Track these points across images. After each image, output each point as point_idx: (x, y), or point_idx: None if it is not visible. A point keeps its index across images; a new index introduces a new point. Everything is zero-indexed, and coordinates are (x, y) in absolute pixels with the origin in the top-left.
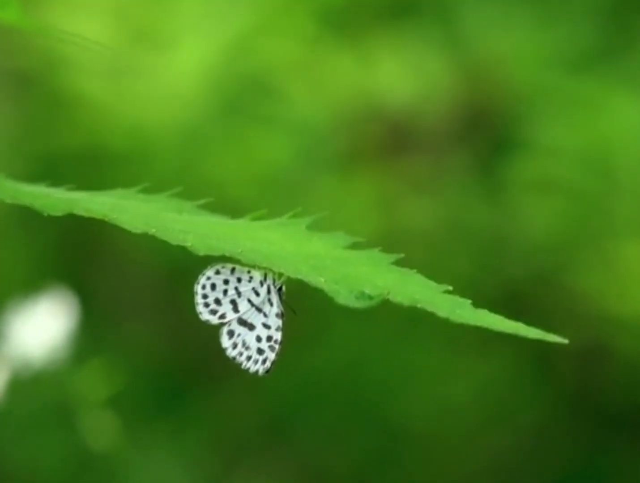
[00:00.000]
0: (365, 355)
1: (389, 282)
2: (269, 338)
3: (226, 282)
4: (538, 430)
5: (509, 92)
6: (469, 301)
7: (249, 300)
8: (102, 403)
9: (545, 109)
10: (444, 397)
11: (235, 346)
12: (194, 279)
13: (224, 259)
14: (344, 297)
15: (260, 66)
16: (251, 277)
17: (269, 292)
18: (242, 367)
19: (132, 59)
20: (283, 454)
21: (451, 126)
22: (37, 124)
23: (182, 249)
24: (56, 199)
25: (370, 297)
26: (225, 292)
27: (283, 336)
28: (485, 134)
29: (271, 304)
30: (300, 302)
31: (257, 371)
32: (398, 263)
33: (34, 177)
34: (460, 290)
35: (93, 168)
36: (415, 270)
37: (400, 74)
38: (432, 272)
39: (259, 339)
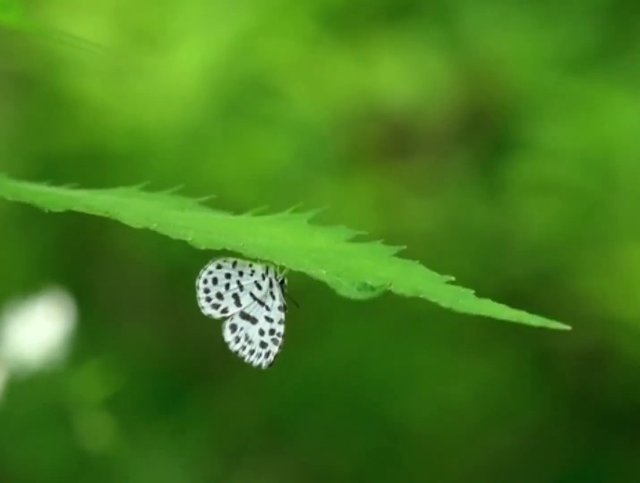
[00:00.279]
0: (365, 355)
1: (391, 273)
2: (272, 332)
3: (228, 276)
4: (538, 430)
5: (509, 92)
6: (472, 291)
7: (251, 294)
8: (102, 404)
9: (546, 109)
10: (444, 397)
11: (237, 340)
12: (194, 278)
13: (225, 254)
14: (346, 289)
15: (261, 66)
16: (253, 271)
17: (271, 285)
18: (245, 361)
19: (132, 59)
20: (283, 454)
21: (451, 126)
22: (37, 124)
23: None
24: (57, 196)
25: (373, 288)
26: (227, 286)
27: (286, 329)
28: (485, 134)
29: (273, 297)
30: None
31: (260, 365)
32: (400, 255)
33: (34, 177)
34: None
35: (93, 168)
36: (417, 261)
37: (400, 74)
38: None
39: (261, 332)
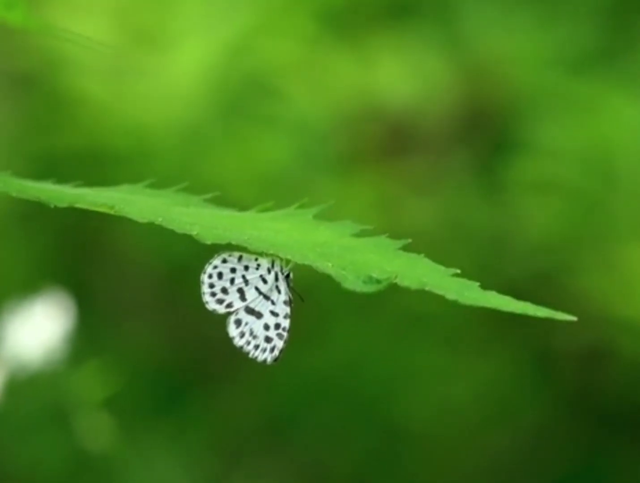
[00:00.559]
0: (365, 355)
1: (396, 266)
2: (277, 326)
3: (233, 270)
4: (538, 430)
5: (509, 92)
6: (477, 283)
7: (257, 288)
8: (101, 404)
9: (546, 109)
10: (444, 397)
11: (242, 335)
12: (194, 278)
13: (230, 249)
14: (351, 282)
15: (261, 66)
16: (258, 265)
17: (276, 279)
18: (250, 356)
19: (133, 58)
20: (283, 454)
21: (451, 126)
22: (37, 124)
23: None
24: (62, 192)
25: (378, 281)
26: (232, 280)
27: (291, 323)
28: (485, 134)
29: (279, 291)
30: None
31: (265, 360)
32: (405, 249)
33: (34, 177)
34: None
35: (94, 168)
36: (422, 254)
37: (400, 74)
38: None
39: (266, 327)
